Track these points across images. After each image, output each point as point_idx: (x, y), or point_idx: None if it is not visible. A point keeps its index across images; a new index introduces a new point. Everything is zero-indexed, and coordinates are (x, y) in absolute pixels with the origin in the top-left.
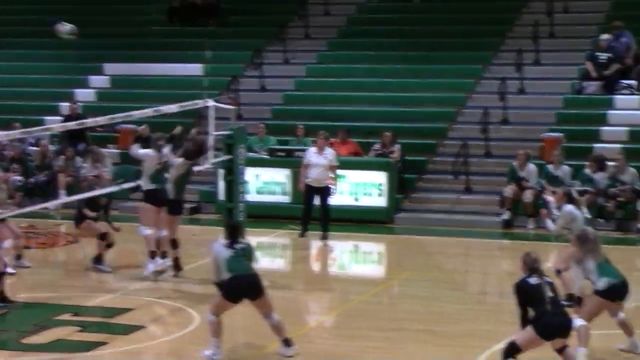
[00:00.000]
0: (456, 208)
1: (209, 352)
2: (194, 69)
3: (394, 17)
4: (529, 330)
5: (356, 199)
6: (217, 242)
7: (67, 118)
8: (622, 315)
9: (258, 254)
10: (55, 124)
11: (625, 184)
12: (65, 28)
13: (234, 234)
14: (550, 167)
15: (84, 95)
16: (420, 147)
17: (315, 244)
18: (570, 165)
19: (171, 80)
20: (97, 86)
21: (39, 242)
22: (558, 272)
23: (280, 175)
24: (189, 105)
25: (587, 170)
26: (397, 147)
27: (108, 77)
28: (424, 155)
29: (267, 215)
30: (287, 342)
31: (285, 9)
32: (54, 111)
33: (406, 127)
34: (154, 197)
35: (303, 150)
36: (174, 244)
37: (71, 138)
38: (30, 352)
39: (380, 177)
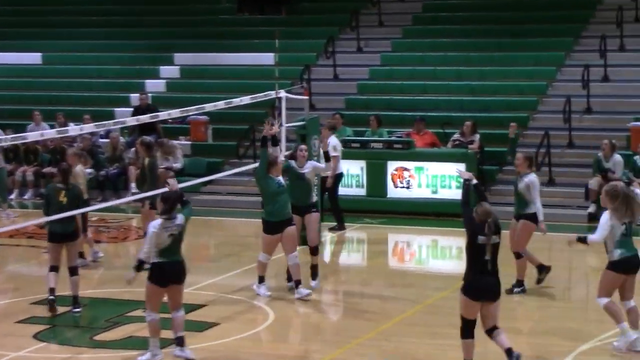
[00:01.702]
0: None
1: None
2: (266, 58)
3: (471, 3)
4: None
5: (434, 192)
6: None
7: (137, 109)
8: (632, 303)
9: (333, 248)
10: (125, 115)
11: None
12: None
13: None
14: (637, 158)
15: (154, 85)
16: (500, 138)
17: (393, 238)
18: None
19: (242, 70)
20: (167, 76)
21: (110, 236)
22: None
23: (355, 168)
24: (260, 96)
25: None
26: (476, 137)
27: (178, 67)
28: (504, 145)
29: (342, 209)
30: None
31: None
32: (125, 102)
33: (485, 117)
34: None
35: (378, 142)
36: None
37: (142, 130)
38: (102, 349)
39: (459, 168)
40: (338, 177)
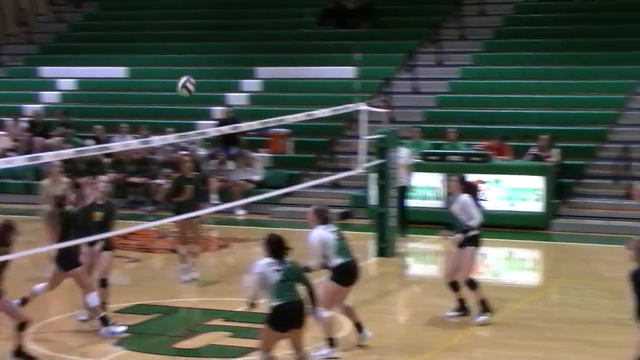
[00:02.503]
0: (617, 214)
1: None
2: (346, 71)
3: (551, 17)
4: None
5: (512, 204)
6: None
7: (221, 122)
8: None
9: (410, 259)
10: (207, 128)
11: None
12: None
13: (278, 250)
14: None
15: (237, 99)
16: (579, 151)
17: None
18: None
19: (323, 83)
20: (249, 90)
21: None
22: None
23: (433, 180)
24: (341, 109)
25: None
26: (554, 151)
27: (260, 80)
28: (583, 159)
29: (420, 221)
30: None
31: (439, 10)
32: (207, 115)
33: (564, 130)
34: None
35: (457, 155)
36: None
37: (225, 142)
38: (181, 357)
39: (536, 182)
40: (402, 188)
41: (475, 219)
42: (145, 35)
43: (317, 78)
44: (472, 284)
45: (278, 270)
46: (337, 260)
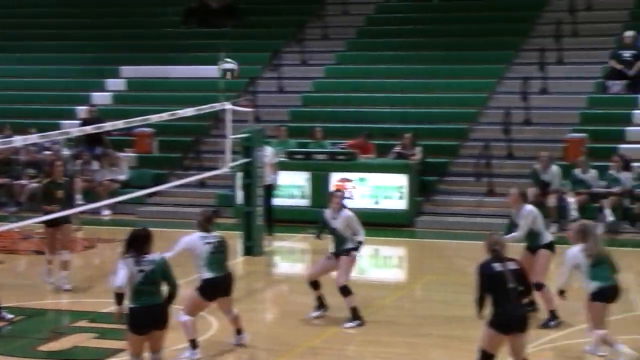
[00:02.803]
0: (478, 211)
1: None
2: (211, 71)
3: (413, 17)
4: (485, 328)
5: (376, 202)
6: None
7: (85, 122)
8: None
9: (278, 258)
10: (71, 127)
11: None
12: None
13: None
14: (576, 171)
15: (101, 98)
16: (441, 149)
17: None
18: (594, 167)
19: (188, 82)
20: (113, 89)
21: None
22: (539, 286)
23: (299, 178)
24: (205, 108)
25: (612, 171)
26: (417, 150)
27: (125, 80)
28: (445, 157)
29: (286, 220)
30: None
31: (302, 10)
32: (71, 115)
33: (427, 129)
34: None
35: (323, 153)
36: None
37: (89, 142)
38: None
39: (400, 180)
40: (268, 187)
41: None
42: (7, 33)
43: (182, 77)
44: (347, 291)
45: (141, 271)
46: (205, 274)
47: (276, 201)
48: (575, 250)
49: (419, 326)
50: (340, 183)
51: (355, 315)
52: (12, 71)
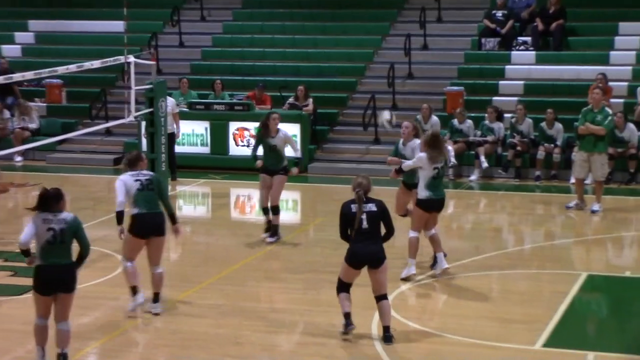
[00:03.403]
0: (365, 158)
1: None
2: (116, 26)
3: None
4: (343, 262)
5: None
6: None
7: None
8: (434, 232)
9: (181, 201)
10: None
11: (523, 134)
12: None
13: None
14: (454, 122)
15: (11, 51)
16: (332, 100)
17: (234, 192)
18: (470, 117)
19: (94, 37)
20: (22, 42)
21: None
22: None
23: (200, 128)
24: (110, 60)
25: (487, 121)
26: (310, 101)
27: (32, 33)
28: (335, 108)
29: (188, 166)
30: (157, 298)
31: None
32: None
33: (318, 82)
34: None
35: (222, 104)
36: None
37: (0, 92)
38: None
39: (294, 129)
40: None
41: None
42: None
43: (89, 32)
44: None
45: (49, 229)
46: (133, 210)
47: (178, 149)
48: (422, 155)
49: (312, 264)
50: (238, 132)
51: (276, 231)
52: None
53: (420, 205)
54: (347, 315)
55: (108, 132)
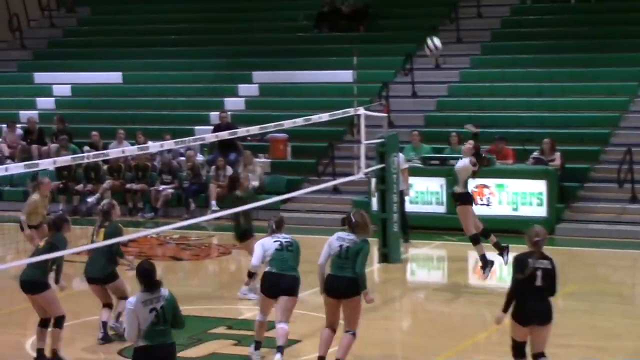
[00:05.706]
0: (621, 218)
1: None
2: (344, 75)
3: (549, 19)
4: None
5: (515, 209)
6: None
7: (217, 127)
8: None
9: (414, 265)
10: (205, 133)
11: None
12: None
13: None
14: None
15: (234, 104)
16: (582, 154)
17: (472, 254)
18: None
19: (320, 87)
20: (246, 94)
21: (191, 254)
22: None
23: (435, 185)
24: (339, 113)
25: None
26: (557, 155)
27: (257, 85)
28: (586, 162)
29: (421, 226)
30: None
31: (435, 12)
32: (205, 121)
33: (565, 134)
34: None
35: (457, 159)
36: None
37: (223, 148)
38: None
39: (540, 186)
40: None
41: None
42: (139, 40)
43: (314, 82)
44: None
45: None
46: (265, 268)
47: (411, 208)
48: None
49: (565, 336)
50: (477, 189)
51: (485, 262)
52: (146, 78)
53: None
54: None
55: (336, 190)
